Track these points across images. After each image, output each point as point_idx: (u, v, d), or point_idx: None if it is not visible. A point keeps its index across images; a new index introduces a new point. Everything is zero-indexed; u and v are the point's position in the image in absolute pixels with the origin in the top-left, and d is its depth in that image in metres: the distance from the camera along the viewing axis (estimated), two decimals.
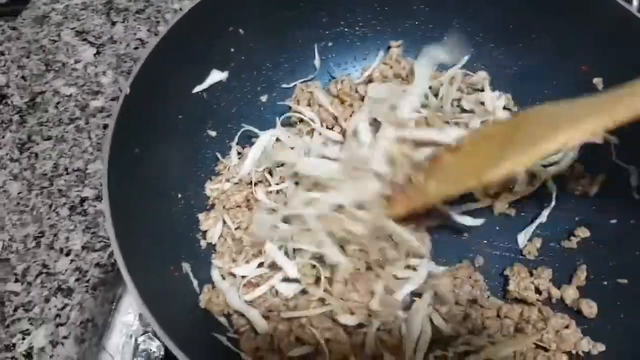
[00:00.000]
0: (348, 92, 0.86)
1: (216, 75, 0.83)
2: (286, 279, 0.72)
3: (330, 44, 0.92)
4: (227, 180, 0.81)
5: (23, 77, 0.90)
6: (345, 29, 0.91)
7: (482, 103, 0.86)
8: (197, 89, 0.81)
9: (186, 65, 0.79)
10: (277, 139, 0.85)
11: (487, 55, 0.90)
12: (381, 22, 0.91)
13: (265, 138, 0.84)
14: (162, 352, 0.79)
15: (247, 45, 0.85)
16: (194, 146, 0.81)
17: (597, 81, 0.81)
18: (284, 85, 0.89)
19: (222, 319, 0.71)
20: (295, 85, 0.90)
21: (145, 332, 0.80)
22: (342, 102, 0.87)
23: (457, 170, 0.69)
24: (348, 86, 0.87)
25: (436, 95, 0.87)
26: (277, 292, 0.73)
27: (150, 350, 0.79)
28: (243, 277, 0.73)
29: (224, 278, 0.73)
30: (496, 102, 0.86)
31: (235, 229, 0.76)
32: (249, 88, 0.87)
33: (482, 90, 0.89)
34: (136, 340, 0.79)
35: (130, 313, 0.81)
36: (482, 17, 0.88)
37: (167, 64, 0.75)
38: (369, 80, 0.89)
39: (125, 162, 0.67)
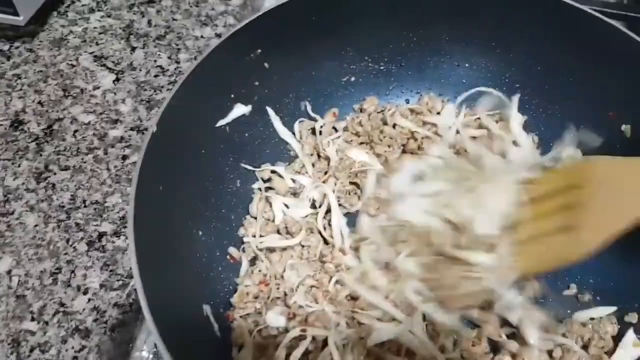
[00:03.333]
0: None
1: (240, 109, 0.81)
2: None
3: (352, 78, 0.91)
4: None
5: (40, 103, 0.88)
6: (370, 64, 0.90)
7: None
8: (221, 122, 0.80)
9: (211, 100, 0.78)
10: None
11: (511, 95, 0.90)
12: (407, 58, 0.90)
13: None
14: None
15: (271, 78, 0.83)
16: (216, 181, 0.80)
17: (626, 128, 0.80)
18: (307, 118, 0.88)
19: None
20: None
21: None
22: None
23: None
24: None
25: None
26: None
27: None
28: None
29: None
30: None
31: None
32: (270, 122, 0.86)
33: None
34: None
35: (144, 350, 0.80)
36: (509, 58, 0.87)
37: (193, 100, 0.73)
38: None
39: (149, 201, 0.66)
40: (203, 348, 0.67)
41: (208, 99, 0.77)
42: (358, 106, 0.90)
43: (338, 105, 0.91)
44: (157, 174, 0.68)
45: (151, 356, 0.79)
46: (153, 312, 0.57)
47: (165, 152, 0.69)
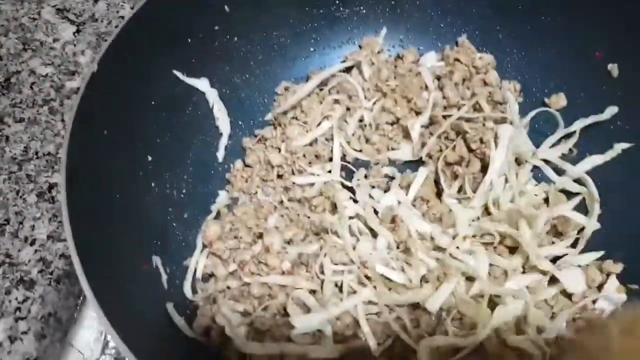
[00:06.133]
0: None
1: (201, 84, 0.78)
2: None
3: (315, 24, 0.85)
4: None
5: None
6: (341, 8, 0.85)
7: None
8: (178, 74, 0.75)
9: (165, 42, 0.73)
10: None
11: (492, 39, 0.84)
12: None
13: None
14: None
15: (231, 23, 0.79)
16: (173, 130, 0.76)
17: (612, 67, 0.74)
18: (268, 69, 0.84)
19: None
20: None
21: None
22: None
23: None
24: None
25: None
26: None
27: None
28: None
29: None
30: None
31: None
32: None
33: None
34: (105, 336, 0.75)
35: None
36: None
37: (143, 40, 0.69)
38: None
39: (92, 146, 0.63)
40: (148, 297, 0.64)
41: (161, 40, 0.73)
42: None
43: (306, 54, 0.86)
44: (101, 118, 0.64)
45: None
46: (83, 263, 0.53)
47: (110, 95, 0.66)
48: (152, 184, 0.72)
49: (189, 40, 0.76)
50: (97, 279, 0.53)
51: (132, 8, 0.89)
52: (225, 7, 0.77)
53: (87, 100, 0.62)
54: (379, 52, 0.84)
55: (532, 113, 0.78)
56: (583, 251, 0.69)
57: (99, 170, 0.63)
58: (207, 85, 0.78)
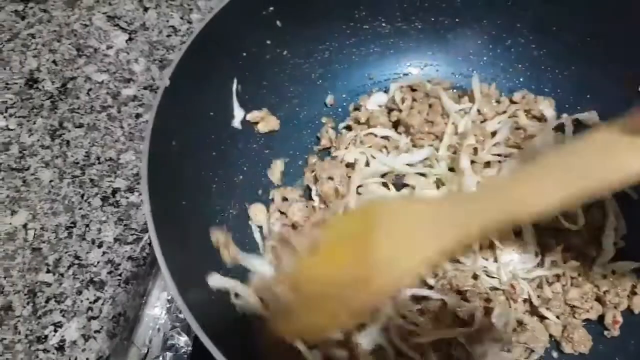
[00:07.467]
0: None
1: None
2: None
3: (362, 37, 0.89)
4: None
5: (54, 62, 0.88)
6: (383, 24, 0.89)
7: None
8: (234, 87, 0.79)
9: (224, 57, 0.77)
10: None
11: (526, 55, 0.88)
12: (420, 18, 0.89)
13: None
14: (190, 348, 0.78)
15: (283, 37, 0.83)
16: (229, 141, 0.80)
17: None
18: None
19: None
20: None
21: (173, 327, 0.79)
22: None
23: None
24: None
25: None
26: None
27: (179, 345, 0.78)
28: None
29: None
30: None
31: None
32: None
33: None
34: (165, 334, 0.78)
35: (157, 306, 0.80)
36: (521, 14, 0.86)
37: (206, 55, 0.73)
38: None
39: (163, 157, 0.66)
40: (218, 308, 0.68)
41: (221, 55, 0.76)
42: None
43: (350, 65, 0.90)
44: (171, 130, 0.68)
45: (164, 313, 0.80)
46: (171, 270, 0.56)
47: (179, 108, 0.70)
48: (214, 187, 0.75)
49: (244, 54, 0.80)
50: (175, 274, 0.57)
51: (181, 18, 0.93)
52: (277, 22, 0.81)
53: (160, 114, 0.66)
54: None
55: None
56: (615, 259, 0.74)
57: (170, 179, 0.67)
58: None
